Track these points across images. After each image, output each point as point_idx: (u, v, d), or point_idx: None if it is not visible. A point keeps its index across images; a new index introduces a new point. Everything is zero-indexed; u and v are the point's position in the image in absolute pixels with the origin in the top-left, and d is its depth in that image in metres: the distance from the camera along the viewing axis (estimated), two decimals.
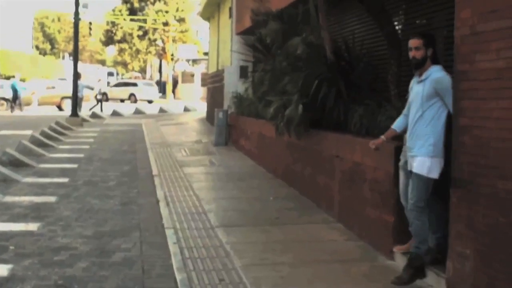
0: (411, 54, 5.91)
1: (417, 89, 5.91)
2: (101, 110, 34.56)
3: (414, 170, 5.80)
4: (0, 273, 6.49)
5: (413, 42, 5.92)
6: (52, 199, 10.44)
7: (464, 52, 5.40)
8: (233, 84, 18.94)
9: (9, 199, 10.36)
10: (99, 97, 36.02)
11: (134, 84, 54.95)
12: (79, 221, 8.96)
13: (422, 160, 5.76)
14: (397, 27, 8.62)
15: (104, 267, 6.79)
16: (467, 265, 5.33)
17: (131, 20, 64.32)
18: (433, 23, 7.91)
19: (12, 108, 35.31)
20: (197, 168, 13.52)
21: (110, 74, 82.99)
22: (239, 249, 7.31)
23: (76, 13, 27.32)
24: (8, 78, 57.20)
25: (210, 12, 27.10)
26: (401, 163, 6.42)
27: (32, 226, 8.54)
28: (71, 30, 53.94)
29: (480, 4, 5.15)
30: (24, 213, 9.40)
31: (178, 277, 6.30)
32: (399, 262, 6.61)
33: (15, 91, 35.55)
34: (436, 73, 5.82)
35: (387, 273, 6.36)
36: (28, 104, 37.82)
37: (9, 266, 6.73)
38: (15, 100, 35.57)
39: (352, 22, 10.53)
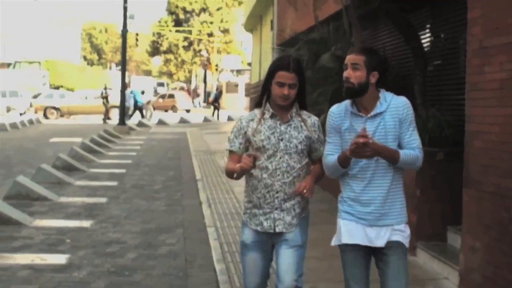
0: (344, 73, 4.03)
1: (370, 129, 3.93)
2: (142, 117, 35.49)
3: (401, 240, 4.01)
4: (59, 261, 7.28)
5: (349, 58, 4.02)
6: (102, 200, 11.26)
7: (474, 64, 6.01)
8: None
9: (64, 199, 11.20)
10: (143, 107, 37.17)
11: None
12: (128, 219, 9.74)
13: (405, 228, 4.08)
14: (422, 41, 9.18)
15: (151, 258, 7.54)
16: (476, 257, 5.91)
17: (177, 31, 65.64)
18: (456, 38, 8.47)
19: (130, 116, 35.07)
20: None
21: (161, 84, 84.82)
22: None
23: (124, 25, 28.39)
24: (57, 88, 58.90)
25: (252, 24, 27.90)
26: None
27: (86, 223, 9.34)
28: (118, 41, 55.46)
29: (487, 22, 5.76)
30: (78, 212, 10.22)
31: (217, 267, 6.98)
32: (421, 257, 7.19)
33: (135, 101, 36.37)
34: (397, 98, 4.07)
35: (410, 267, 6.93)
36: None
37: (67, 255, 7.52)
38: (136, 110, 36.57)
39: (383, 36, 11.11)
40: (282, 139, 4.18)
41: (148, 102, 40.44)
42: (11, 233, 8.56)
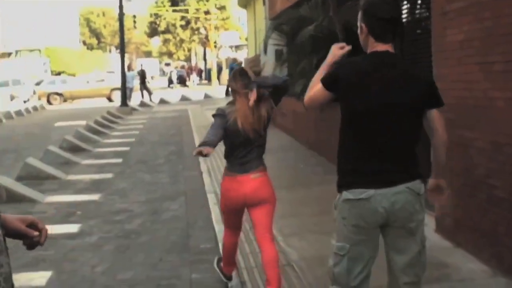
0: None
1: None
2: (150, 99, 36.02)
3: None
4: (71, 230, 7.98)
5: None
6: (109, 175, 11.93)
7: (437, 28, 6.60)
8: (269, 68, 20.09)
9: (72, 177, 11.86)
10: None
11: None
12: (134, 191, 10.41)
13: None
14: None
15: (156, 222, 8.21)
16: (449, 202, 6.53)
17: (174, 11, 65.85)
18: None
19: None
20: None
21: (167, 64, 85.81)
22: None
23: (121, 8, 28.88)
24: (58, 74, 59.42)
25: (246, 0, 28.34)
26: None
27: (94, 197, 10.01)
28: (116, 24, 55.76)
29: None
30: (86, 187, 10.89)
31: (216, 227, 7.61)
32: None
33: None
34: None
35: None
36: None
37: (78, 225, 8.21)
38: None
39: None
40: None
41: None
42: (26, 209, 9.20)
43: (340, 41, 10.46)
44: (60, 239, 7.55)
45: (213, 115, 5.04)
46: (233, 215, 5.28)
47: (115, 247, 7.18)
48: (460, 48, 6.10)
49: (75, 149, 15.41)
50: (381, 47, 3.61)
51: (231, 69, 30.74)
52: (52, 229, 8.04)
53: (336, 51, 3.86)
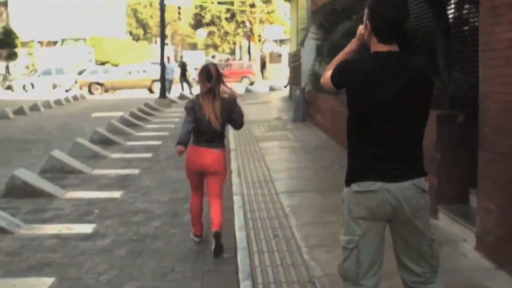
0: None
1: None
2: (190, 92, 35.68)
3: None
4: (85, 230, 7.53)
5: None
6: (135, 171, 11.48)
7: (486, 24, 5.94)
8: (309, 63, 19.49)
9: (97, 172, 11.45)
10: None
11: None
12: (158, 189, 9.93)
13: None
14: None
15: (174, 226, 7.72)
16: (491, 219, 5.89)
17: (219, 3, 65.59)
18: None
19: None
20: (272, 143, 14.28)
21: (213, 57, 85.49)
22: (297, 211, 8.03)
23: None
24: (103, 63, 59.63)
25: None
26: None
27: (116, 194, 9.56)
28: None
29: None
30: (110, 183, 10.45)
31: (238, 234, 7.08)
32: (442, 220, 7.17)
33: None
34: None
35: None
36: None
37: (93, 225, 7.75)
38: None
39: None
40: None
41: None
42: (43, 205, 8.83)
43: None
44: (71, 240, 7.13)
45: (185, 108, 6.67)
46: (195, 177, 6.82)
47: (126, 252, 6.69)
48: (511, 47, 5.44)
49: (105, 141, 15.04)
50: (384, 48, 3.63)
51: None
52: (66, 228, 7.68)
53: (362, 30, 3.83)
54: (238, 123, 6.93)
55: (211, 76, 6.47)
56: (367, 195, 3.62)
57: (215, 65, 6.83)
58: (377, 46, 3.65)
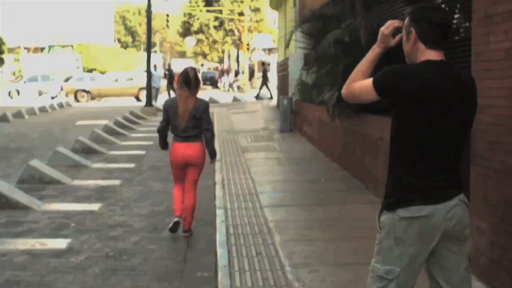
0: None
1: None
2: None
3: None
4: (59, 246, 7.17)
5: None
6: (116, 182, 11.14)
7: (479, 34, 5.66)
8: (297, 72, 19.22)
9: (77, 182, 11.09)
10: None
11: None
12: (138, 201, 9.60)
13: None
14: None
15: (153, 241, 7.38)
16: (483, 239, 5.59)
17: (207, 11, 65.30)
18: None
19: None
20: (258, 154, 13.97)
21: (203, 65, 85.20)
22: (281, 226, 7.73)
23: (149, 6, 28.39)
24: (90, 70, 59.22)
25: (277, 2, 27.52)
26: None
27: (94, 206, 9.21)
28: (152, 23, 55.54)
29: None
30: (89, 195, 10.09)
31: (218, 251, 6.77)
32: None
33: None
34: None
35: None
36: None
37: (68, 240, 7.40)
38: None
39: (399, 8, 10.72)
40: None
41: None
42: (18, 218, 8.47)
43: (364, 46, 9.64)
44: (43, 257, 6.77)
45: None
46: (178, 170, 7.65)
47: (101, 270, 6.33)
48: (506, 58, 5.16)
49: (87, 151, 14.65)
50: (433, 55, 3.36)
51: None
52: (39, 243, 7.33)
53: (384, 30, 3.53)
54: (205, 128, 7.47)
55: (189, 79, 7.30)
56: (419, 220, 3.33)
57: (194, 69, 7.58)
58: (426, 54, 3.37)
